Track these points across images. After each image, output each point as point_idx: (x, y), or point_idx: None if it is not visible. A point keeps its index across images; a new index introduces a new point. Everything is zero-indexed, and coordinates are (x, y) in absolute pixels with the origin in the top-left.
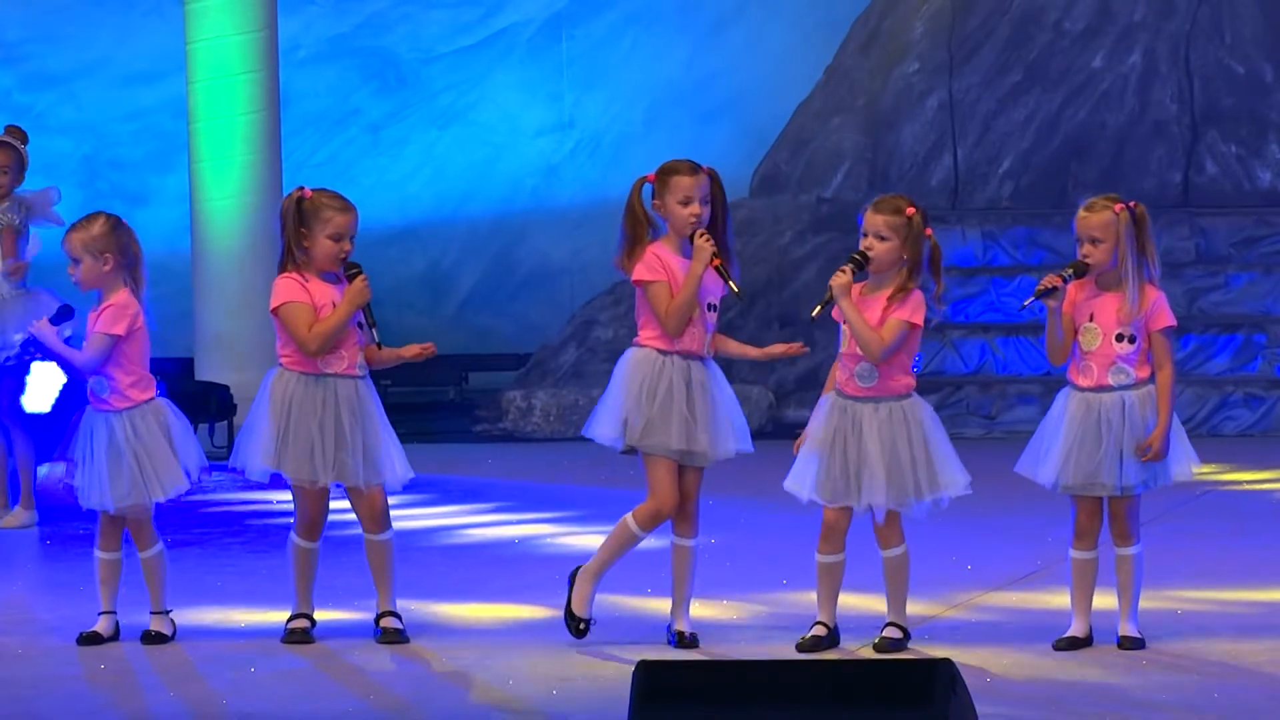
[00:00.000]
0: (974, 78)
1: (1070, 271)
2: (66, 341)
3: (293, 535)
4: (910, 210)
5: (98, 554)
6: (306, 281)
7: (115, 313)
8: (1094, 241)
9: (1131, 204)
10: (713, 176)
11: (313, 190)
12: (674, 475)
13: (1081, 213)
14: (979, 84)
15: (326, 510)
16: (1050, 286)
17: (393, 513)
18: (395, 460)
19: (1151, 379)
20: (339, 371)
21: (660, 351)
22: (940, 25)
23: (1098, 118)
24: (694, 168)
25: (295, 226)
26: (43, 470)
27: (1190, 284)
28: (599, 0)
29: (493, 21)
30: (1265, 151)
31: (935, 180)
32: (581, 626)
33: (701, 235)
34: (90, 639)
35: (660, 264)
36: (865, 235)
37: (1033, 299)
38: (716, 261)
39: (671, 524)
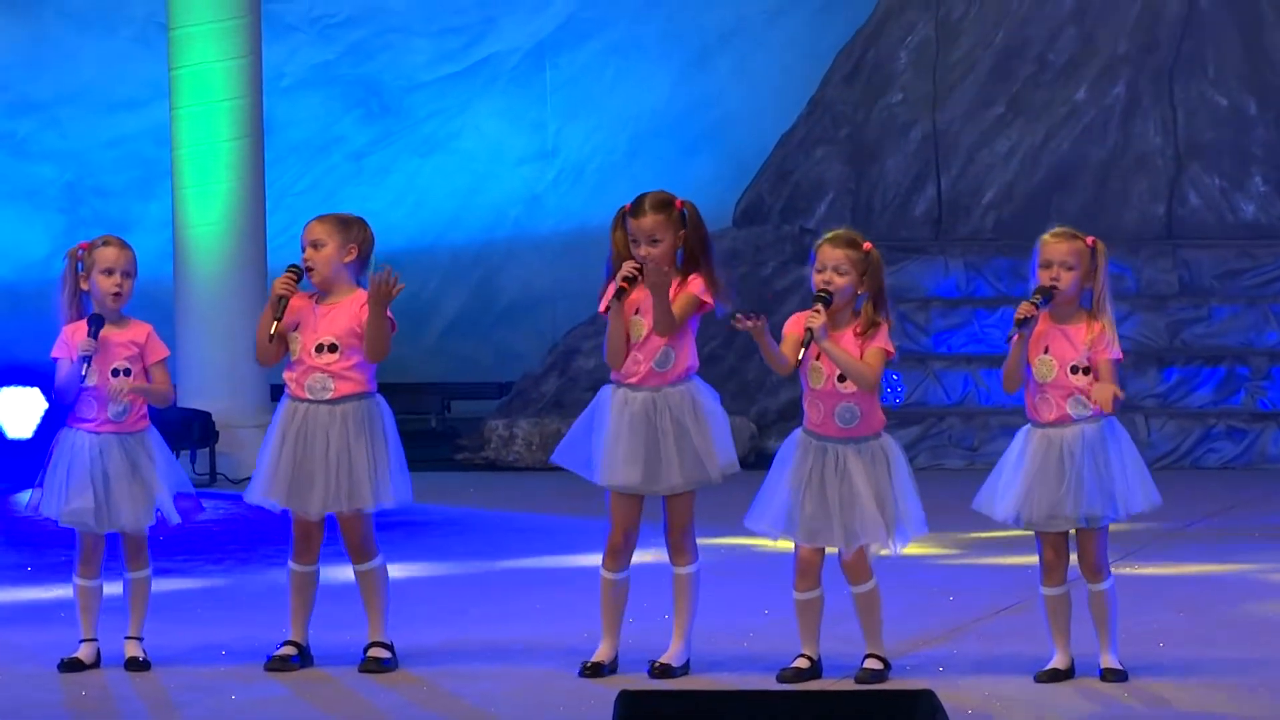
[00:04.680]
0: (957, 109)
1: (1040, 297)
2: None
3: (288, 558)
4: (868, 245)
5: (78, 581)
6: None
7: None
8: (1066, 266)
9: (1092, 240)
10: (688, 208)
11: None
12: (621, 508)
13: (1049, 239)
14: (962, 116)
15: (311, 532)
16: (1029, 315)
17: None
18: (371, 486)
19: (1105, 414)
20: (294, 395)
21: (614, 385)
22: (924, 57)
23: (1081, 150)
24: (640, 207)
25: None
26: (24, 497)
27: (1173, 316)
28: (582, 29)
29: (476, 50)
30: (1248, 184)
31: (918, 211)
32: (588, 667)
33: (630, 262)
34: (71, 665)
35: (610, 291)
36: (823, 269)
37: (1015, 330)
38: (624, 284)
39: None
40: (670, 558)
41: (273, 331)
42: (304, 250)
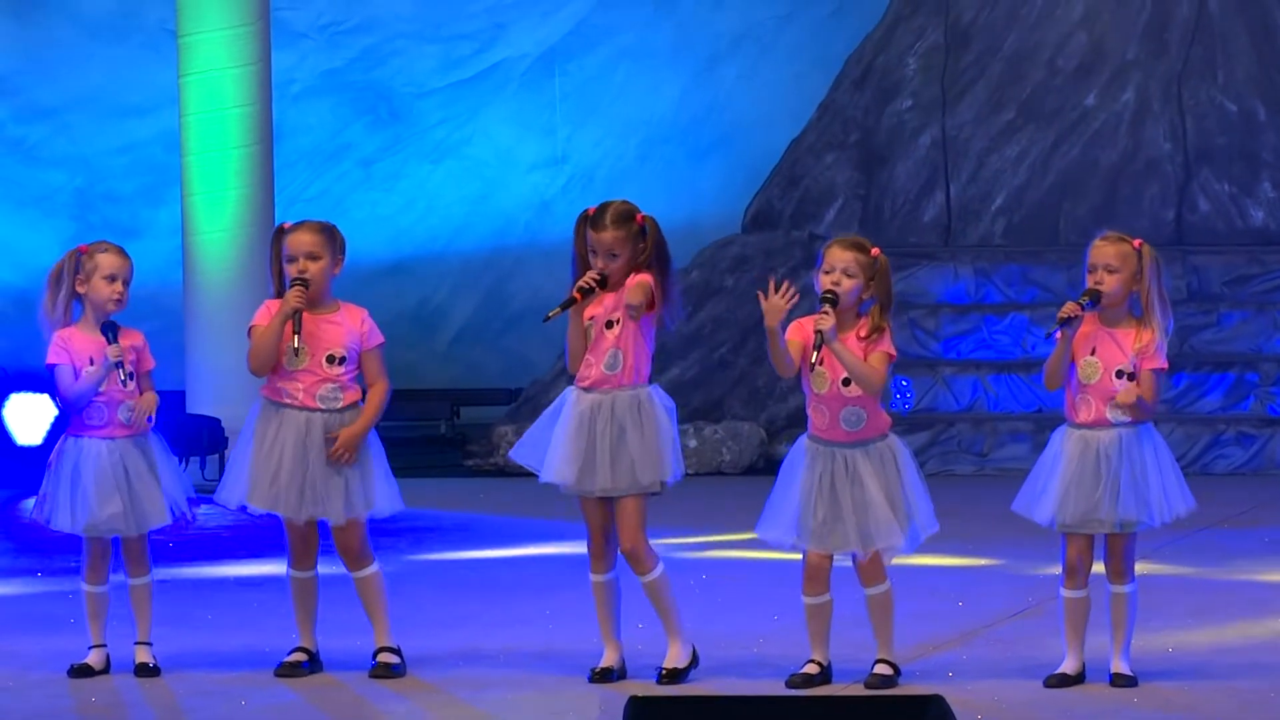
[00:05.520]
0: (967, 115)
1: (1086, 299)
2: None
3: (287, 566)
4: (875, 250)
5: (86, 588)
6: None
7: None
8: (1110, 270)
9: (1139, 242)
10: (648, 222)
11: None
12: (589, 511)
13: (1098, 242)
14: (972, 121)
15: (306, 539)
16: (1072, 315)
17: (384, 544)
18: (363, 495)
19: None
20: (295, 403)
21: (573, 387)
22: (934, 62)
23: (1091, 155)
24: (600, 220)
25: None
26: (30, 504)
27: (1183, 322)
28: (592, 35)
29: (486, 56)
30: (1258, 190)
31: (928, 217)
32: (597, 673)
33: (593, 271)
34: (81, 671)
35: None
36: (831, 270)
37: (1056, 326)
38: (577, 295)
39: None
40: (631, 566)
41: (297, 346)
42: (296, 261)
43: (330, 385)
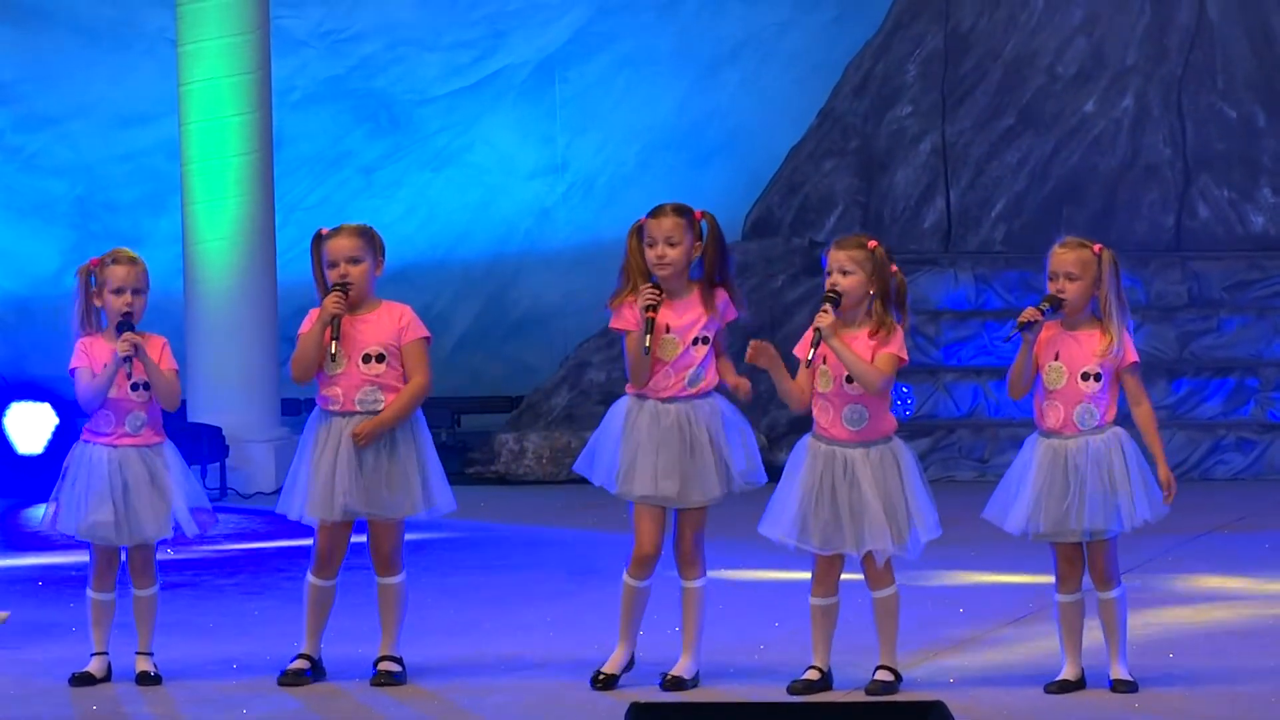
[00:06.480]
0: (967, 121)
1: (1047, 305)
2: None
3: (307, 571)
4: (872, 244)
5: (92, 595)
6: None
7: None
8: (1070, 277)
9: (1099, 247)
10: (707, 219)
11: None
12: (651, 519)
13: (1057, 249)
14: (972, 127)
15: (335, 548)
16: (1031, 320)
17: None
18: (406, 497)
19: (1116, 421)
20: (338, 409)
21: (637, 397)
22: (933, 69)
23: (1090, 161)
24: (660, 209)
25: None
26: (36, 512)
27: (1183, 328)
28: (593, 43)
29: (486, 64)
30: (1257, 195)
31: (928, 223)
32: (600, 678)
33: (647, 285)
34: (83, 680)
35: (629, 313)
36: (830, 273)
37: (1014, 331)
38: (650, 314)
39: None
40: (680, 571)
41: (334, 351)
42: (337, 266)
43: (369, 386)
